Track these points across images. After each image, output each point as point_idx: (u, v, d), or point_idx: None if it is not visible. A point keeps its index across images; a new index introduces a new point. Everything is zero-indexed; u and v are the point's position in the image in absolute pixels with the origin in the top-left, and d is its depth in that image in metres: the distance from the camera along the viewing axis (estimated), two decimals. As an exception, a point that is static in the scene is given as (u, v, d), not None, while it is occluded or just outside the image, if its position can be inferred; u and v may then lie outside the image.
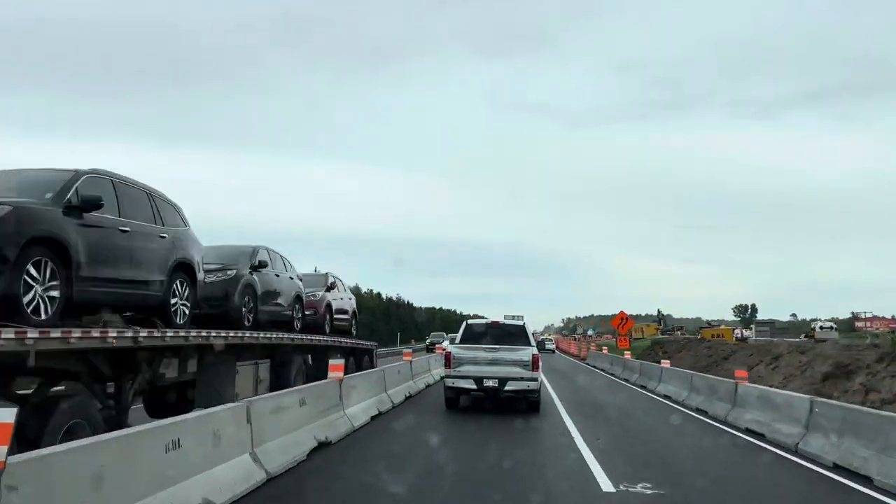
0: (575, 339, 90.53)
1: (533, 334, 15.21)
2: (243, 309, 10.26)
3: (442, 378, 15.17)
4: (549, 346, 65.31)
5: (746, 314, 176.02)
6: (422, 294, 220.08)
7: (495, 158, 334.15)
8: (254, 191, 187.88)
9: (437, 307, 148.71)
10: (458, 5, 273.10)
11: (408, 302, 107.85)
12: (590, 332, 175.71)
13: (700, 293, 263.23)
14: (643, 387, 21.58)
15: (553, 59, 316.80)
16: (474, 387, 13.05)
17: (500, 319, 14.76)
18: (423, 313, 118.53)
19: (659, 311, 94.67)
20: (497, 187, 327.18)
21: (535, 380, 13.12)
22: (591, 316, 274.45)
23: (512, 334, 13.72)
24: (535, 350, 13.36)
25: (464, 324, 14.44)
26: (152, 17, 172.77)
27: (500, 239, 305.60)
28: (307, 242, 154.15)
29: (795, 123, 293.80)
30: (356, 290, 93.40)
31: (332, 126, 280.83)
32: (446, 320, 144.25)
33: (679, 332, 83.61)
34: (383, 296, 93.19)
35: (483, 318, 20.89)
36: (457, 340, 13.84)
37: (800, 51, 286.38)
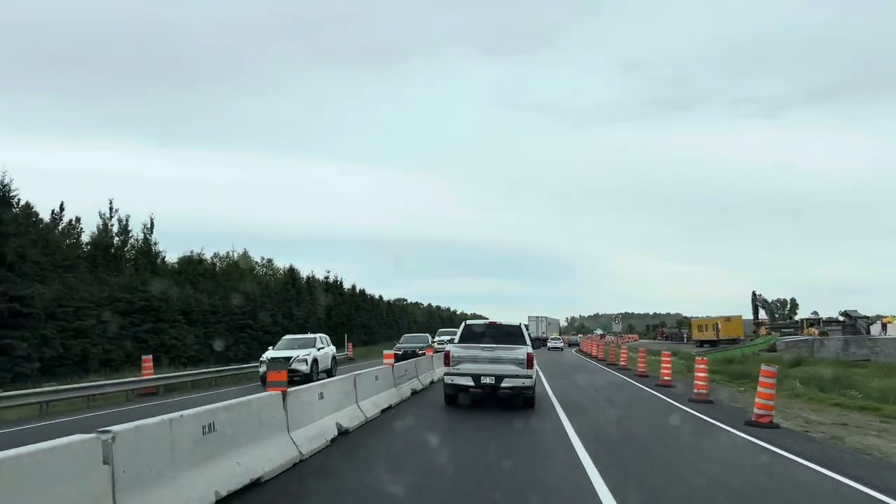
0: (611, 341, 55.27)
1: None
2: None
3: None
4: (555, 343, 59.76)
5: (786, 310, 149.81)
6: (422, 294, 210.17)
7: (497, 158, 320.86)
8: (254, 191, 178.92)
9: (427, 304, 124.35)
10: (459, 4, 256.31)
11: (359, 290, 72.59)
12: (598, 332, 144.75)
13: (702, 293, 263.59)
14: None
15: (555, 59, 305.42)
16: (472, 384, 13.47)
17: (498, 320, 15.11)
18: (386, 308, 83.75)
19: (756, 296, 58.25)
20: (498, 187, 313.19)
21: (530, 377, 13.47)
22: (596, 315, 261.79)
23: (508, 334, 14.15)
24: (530, 349, 13.75)
25: (462, 324, 14.88)
26: (152, 17, 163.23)
27: (502, 239, 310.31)
28: (307, 242, 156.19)
29: (800, 122, 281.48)
30: (269, 264, 59.09)
31: (331, 126, 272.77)
32: (432, 320, 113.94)
33: (813, 330, 48.95)
34: (318, 276, 58.03)
35: (484, 318, 22.99)
36: (456, 340, 14.26)
37: (804, 49, 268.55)
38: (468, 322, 15.11)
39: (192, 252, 38.80)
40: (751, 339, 54.89)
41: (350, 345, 37.79)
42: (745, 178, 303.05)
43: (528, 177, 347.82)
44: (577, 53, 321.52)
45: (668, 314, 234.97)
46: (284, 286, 48.34)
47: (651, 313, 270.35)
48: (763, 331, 56.15)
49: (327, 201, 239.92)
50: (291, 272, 52.86)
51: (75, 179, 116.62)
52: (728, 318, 60.50)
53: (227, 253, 46.41)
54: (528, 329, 15.43)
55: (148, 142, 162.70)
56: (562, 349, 58.25)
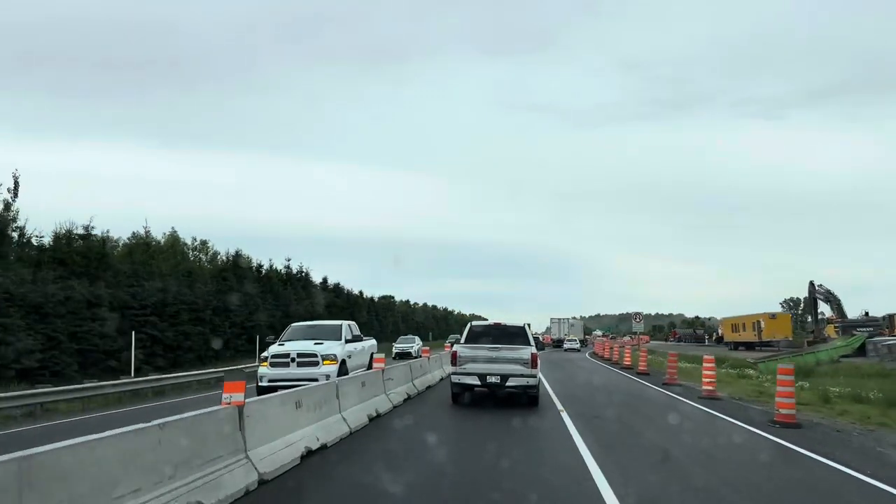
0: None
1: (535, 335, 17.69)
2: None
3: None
4: (570, 345, 58.35)
5: (799, 309, 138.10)
6: (422, 295, 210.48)
7: (497, 158, 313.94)
8: (254, 191, 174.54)
9: (423, 304, 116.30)
10: (459, 4, 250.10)
11: (332, 284, 62.48)
12: (597, 332, 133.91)
13: (702, 293, 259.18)
14: None
15: (555, 59, 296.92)
16: (478, 383, 13.66)
17: (502, 321, 15.41)
18: (368, 306, 73.45)
19: (815, 287, 47.01)
20: (498, 187, 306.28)
21: (534, 376, 13.63)
22: (597, 316, 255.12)
23: (512, 334, 14.39)
24: (533, 349, 13.92)
25: (468, 325, 15.18)
26: (152, 17, 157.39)
27: (502, 239, 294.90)
28: (307, 242, 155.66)
29: (801, 122, 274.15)
30: (203, 247, 48.15)
31: (332, 126, 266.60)
32: (426, 320, 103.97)
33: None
34: (277, 267, 47.62)
35: (483, 318, 19.59)
36: (461, 340, 14.43)
37: (805, 49, 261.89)
38: (473, 323, 15.41)
39: (73, 226, 28.08)
40: (807, 342, 44.39)
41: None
42: (745, 178, 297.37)
43: (528, 177, 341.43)
44: (577, 54, 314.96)
45: (671, 314, 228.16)
46: (221, 274, 37.72)
47: (653, 314, 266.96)
48: (831, 330, 45.42)
49: (327, 201, 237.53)
50: (237, 259, 42.26)
51: (75, 180, 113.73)
52: (773, 315, 49.67)
53: (146, 232, 35.81)
54: (530, 328, 15.42)
55: (148, 142, 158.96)
56: (578, 349, 56.95)
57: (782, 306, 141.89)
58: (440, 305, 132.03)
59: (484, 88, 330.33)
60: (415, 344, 43.69)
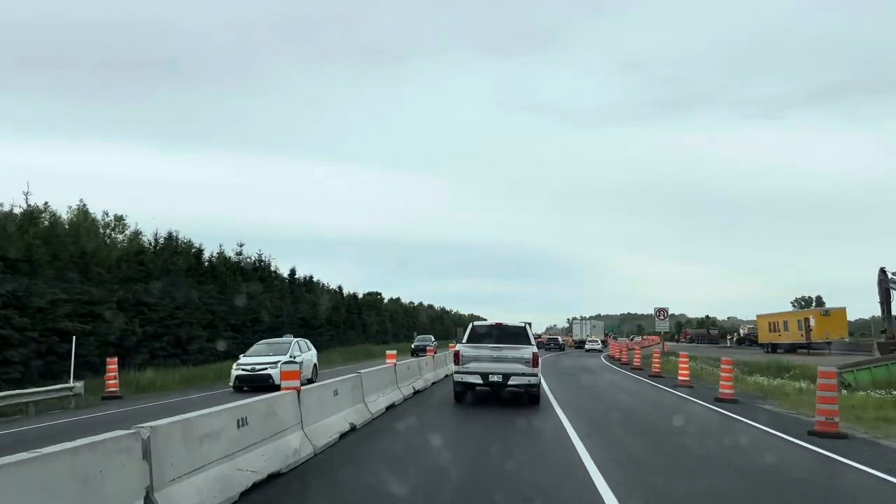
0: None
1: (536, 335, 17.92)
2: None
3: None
4: (592, 346, 58.03)
5: (810, 308, 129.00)
6: (421, 295, 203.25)
7: (497, 158, 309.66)
8: (254, 191, 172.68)
9: (418, 303, 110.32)
10: (459, 4, 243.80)
11: (305, 277, 54.41)
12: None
13: (703, 293, 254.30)
14: None
15: (555, 59, 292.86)
16: (480, 381, 13.88)
17: (503, 321, 15.52)
18: (347, 304, 65.00)
19: (885, 274, 37.48)
20: (498, 187, 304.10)
21: (536, 375, 13.91)
22: (598, 316, 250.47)
23: (514, 334, 14.56)
24: (534, 349, 14.19)
25: (469, 325, 15.37)
26: (152, 17, 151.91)
27: (501, 239, 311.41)
28: (307, 243, 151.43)
29: (802, 122, 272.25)
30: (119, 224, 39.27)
31: (332, 126, 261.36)
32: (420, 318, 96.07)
33: None
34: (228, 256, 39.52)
35: (483, 318, 19.97)
36: (464, 340, 14.57)
37: (806, 49, 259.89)
38: (475, 323, 15.41)
39: None
40: (878, 344, 36.11)
41: (113, 363, 17.51)
42: (745, 178, 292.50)
43: (528, 177, 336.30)
44: (577, 54, 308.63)
45: (672, 315, 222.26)
46: (136, 258, 29.01)
47: (685, 314, 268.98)
48: (920, 329, 37.21)
49: (327, 201, 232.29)
50: (168, 241, 33.55)
51: (75, 180, 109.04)
52: (825, 312, 41.34)
53: (44, 207, 27.12)
54: (531, 328, 15.35)
55: (148, 142, 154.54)
56: (600, 350, 55.96)
57: (793, 305, 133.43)
58: (439, 305, 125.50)
59: (484, 88, 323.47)
60: (278, 358, 19.46)
